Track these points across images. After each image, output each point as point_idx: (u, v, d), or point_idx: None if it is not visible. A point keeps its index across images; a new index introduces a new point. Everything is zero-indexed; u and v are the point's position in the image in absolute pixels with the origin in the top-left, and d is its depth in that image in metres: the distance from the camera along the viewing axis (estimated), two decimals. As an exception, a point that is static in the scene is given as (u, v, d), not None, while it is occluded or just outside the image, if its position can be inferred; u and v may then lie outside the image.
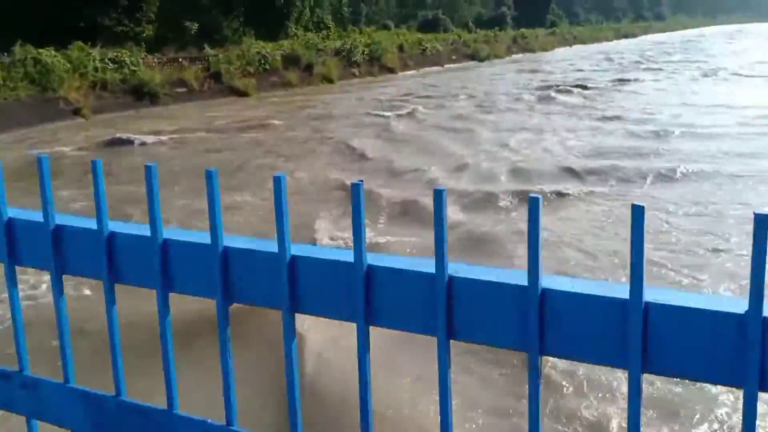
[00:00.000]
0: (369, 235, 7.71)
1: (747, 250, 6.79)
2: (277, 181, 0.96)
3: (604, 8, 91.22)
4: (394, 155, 12.42)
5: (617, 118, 16.06)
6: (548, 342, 0.86)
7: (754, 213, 0.75)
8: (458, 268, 0.91)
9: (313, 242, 7.34)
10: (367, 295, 0.96)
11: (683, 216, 8.16)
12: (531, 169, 10.86)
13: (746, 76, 26.53)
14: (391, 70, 31.60)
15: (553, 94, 21.05)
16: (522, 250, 6.93)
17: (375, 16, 48.31)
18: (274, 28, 31.84)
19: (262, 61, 25.60)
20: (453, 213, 8.52)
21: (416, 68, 33.36)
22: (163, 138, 15.06)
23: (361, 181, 0.94)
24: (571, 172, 10.41)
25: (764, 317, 0.76)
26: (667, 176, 10.06)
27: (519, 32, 48.78)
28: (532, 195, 0.81)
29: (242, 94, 23.29)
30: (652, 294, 0.82)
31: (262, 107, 20.64)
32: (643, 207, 0.78)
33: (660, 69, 30.25)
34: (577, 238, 7.44)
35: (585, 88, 22.56)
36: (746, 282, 5.78)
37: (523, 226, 7.87)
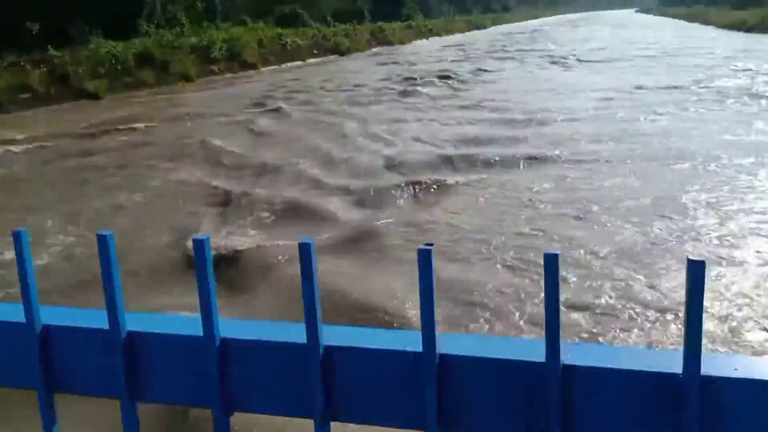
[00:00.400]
0: (250, 237, 7.39)
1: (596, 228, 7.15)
2: (18, 238, 0.85)
3: (455, 1, 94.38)
4: (265, 153, 12.05)
5: (481, 106, 16.56)
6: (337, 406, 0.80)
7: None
8: (228, 325, 0.83)
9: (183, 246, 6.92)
10: (129, 366, 0.85)
11: (551, 193, 8.50)
12: (406, 160, 10.89)
13: (591, 61, 28.36)
14: (253, 66, 30.89)
15: (417, 85, 21.37)
16: (408, 250, 6.90)
17: (230, 12, 47.00)
18: (124, 26, 30.06)
19: (113, 62, 24.11)
20: (335, 209, 8.36)
21: (278, 63, 32.83)
22: (15, 148, 13.74)
23: (110, 233, 0.85)
24: (447, 161, 10.55)
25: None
26: (538, 159, 10.46)
27: (377, 26, 49.31)
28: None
29: (94, 96, 21.81)
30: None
31: (119, 109, 19.42)
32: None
33: (512, 58, 31.62)
34: (464, 226, 7.51)
35: (448, 78, 23.09)
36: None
37: (410, 219, 7.87)
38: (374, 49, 42.82)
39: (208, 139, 13.57)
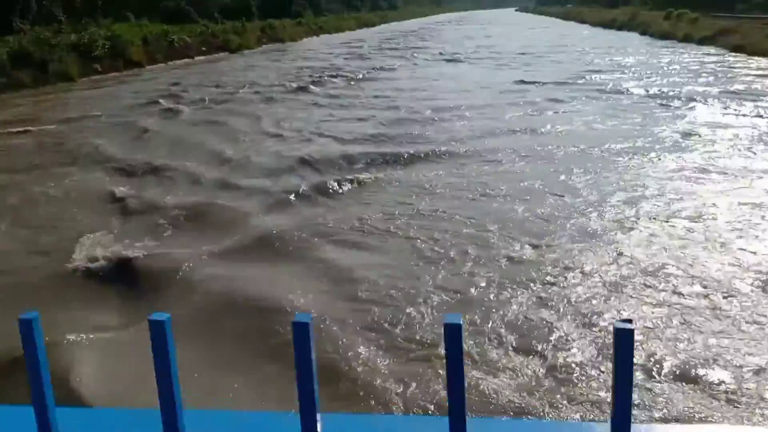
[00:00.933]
0: (145, 244, 7.28)
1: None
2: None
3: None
4: (160, 157, 11.79)
5: (379, 105, 16.89)
6: None
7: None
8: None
9: (71, 259, 6.75)
10: None
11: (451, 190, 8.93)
12: (317, 159, 10.97)
13: (479, 58, 29.51)
14: (138, 64, 29.83)
15: (312, 84, 21.43)
16: (330, 251, 7.09)
17: (111, 8, 45.06)
18: (-6, 22, 28.29)
19: (-15, 61, 22.65)
20: (250, 211, 8.39)
21: (165, 61, 31.87)
22: None
23: None
24: (352, 160, 10.74)
25: None
26: (442, 154, 10.90)
27: (267, 23, 48.78)
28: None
29: (-35, 98, 20.44)
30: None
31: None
32: None
33: (403, 56, 32.26)
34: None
35: (343, 77, 23.31)
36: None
37: (322, 220, 8.03)
38: (265, 47, 42.39)
39: (97, 142, 13.12)
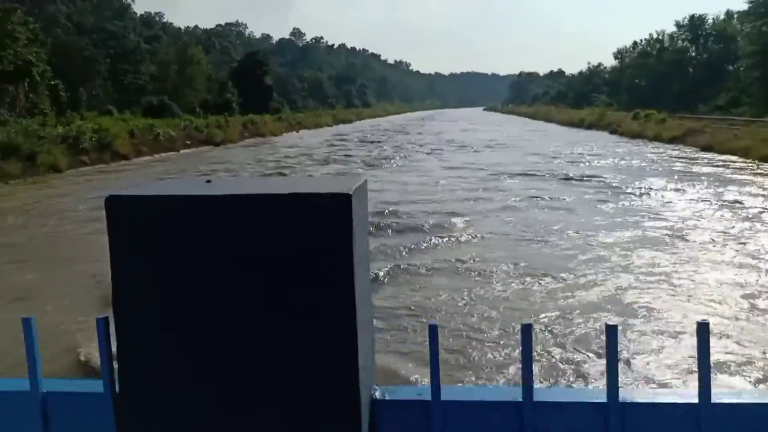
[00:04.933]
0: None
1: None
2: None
3: (318, 95, 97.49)
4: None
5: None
6: None
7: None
8: None
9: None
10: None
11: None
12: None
13: (456, 151, 30.29)
14: (125, 157, 29.94)
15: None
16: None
17: (93, 101, 45.64)
18: (-21, 114, 28.36)
19: (-26, 151, 22.53)
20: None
21: (151, 154, 32.07)
22: None
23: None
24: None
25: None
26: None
27: (248, 118, 49.73)
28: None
29: (-47, 188, 20.16)
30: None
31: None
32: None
33: (390, 157, 32.93)
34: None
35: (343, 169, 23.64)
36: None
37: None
38: (248, 140, 43.01)
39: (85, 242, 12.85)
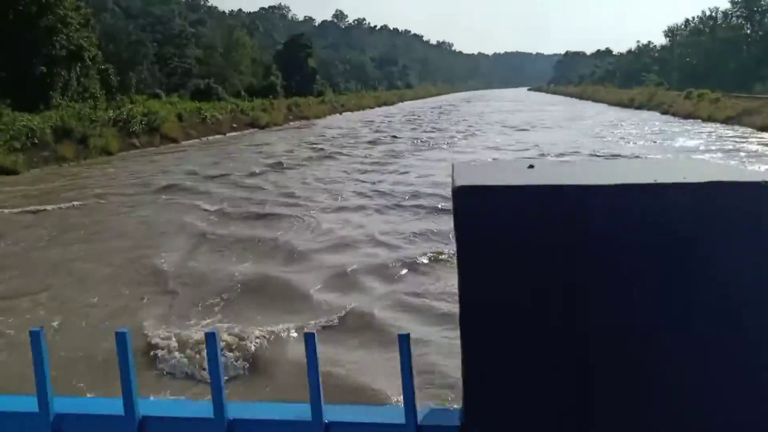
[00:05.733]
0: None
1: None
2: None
3: (361, 77, 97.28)
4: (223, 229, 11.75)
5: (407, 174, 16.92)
6: None
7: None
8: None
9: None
10: None
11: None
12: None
13: (508, 127, 29.91)
14: (174, 140, 30.36)
15: (360, 165, 21.06)
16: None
17: (141, 85, 46.31)
18: (33, 98, 28.91)
19: (30, 135, 23.02)
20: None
21: (199, 137, 32.46)
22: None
23: None
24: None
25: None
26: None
27: (293, 100, 49.90)
28: None
29: (10, 172, 20.63)
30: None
31: (44, 183, 18.46)
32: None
33: (442, 130, 32.71)
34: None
35: (391, 151, 23.56)
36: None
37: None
38: (292, 123, 43.15)
39: (189, 221, 12.82)
